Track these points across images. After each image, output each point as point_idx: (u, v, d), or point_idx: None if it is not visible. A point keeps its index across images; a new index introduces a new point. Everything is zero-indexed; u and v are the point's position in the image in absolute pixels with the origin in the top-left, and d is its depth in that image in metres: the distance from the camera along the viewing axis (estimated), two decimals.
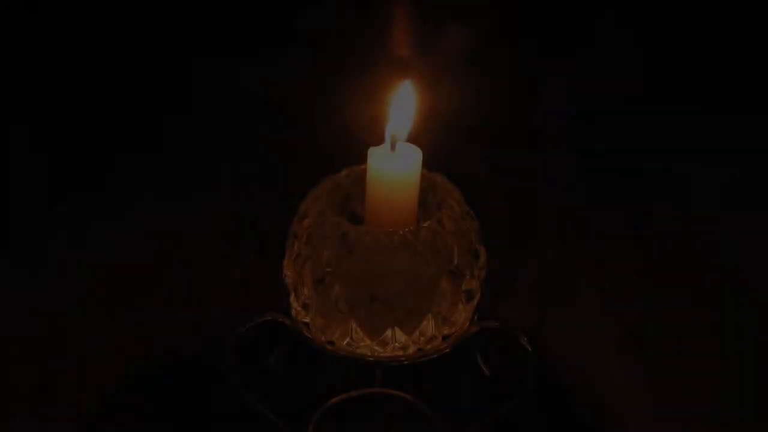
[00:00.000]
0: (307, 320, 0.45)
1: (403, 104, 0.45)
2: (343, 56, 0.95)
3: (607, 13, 1.04)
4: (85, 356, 0.61)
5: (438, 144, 0.76)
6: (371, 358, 0.44)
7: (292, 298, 0.45)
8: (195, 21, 1.02)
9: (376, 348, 0.44)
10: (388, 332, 0.43)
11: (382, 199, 0.44)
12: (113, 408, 0.58)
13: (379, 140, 0.45)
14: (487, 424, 0.52)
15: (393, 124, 0.45)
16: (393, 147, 0.44)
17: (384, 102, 0.46)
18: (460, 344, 0.45)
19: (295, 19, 1.03)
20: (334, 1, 1.07)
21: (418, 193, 0.45)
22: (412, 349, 0.45)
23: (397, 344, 0.44)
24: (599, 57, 0.98)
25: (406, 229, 0.42)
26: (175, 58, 0.96)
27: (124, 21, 1.03)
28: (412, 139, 0.46)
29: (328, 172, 0.47)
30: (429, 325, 0.44)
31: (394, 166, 0.44)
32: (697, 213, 0.75)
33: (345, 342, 0.44)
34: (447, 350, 0.45)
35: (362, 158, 0.45)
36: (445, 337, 0.45)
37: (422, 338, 0.44)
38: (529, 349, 0.45)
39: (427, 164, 0.45)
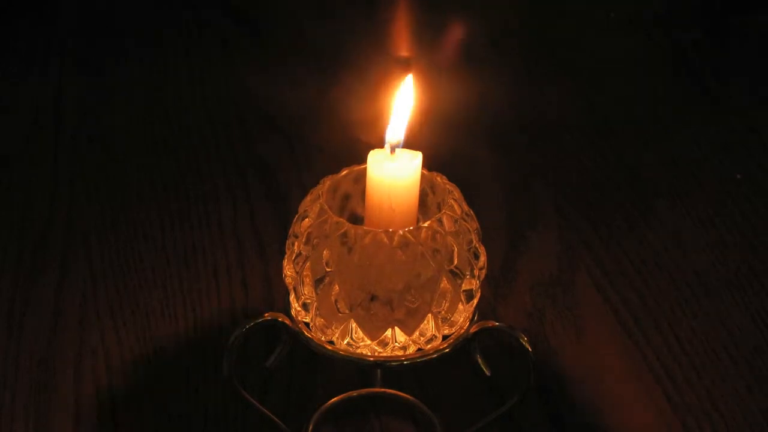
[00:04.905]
0: (307, 320, 0.45)
1: (402, 105, 0.45)
2: (343, 56, 0.95)
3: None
4: (84, 356, 0.61)
5: (438, 144, 0.77)
6: (371, 358, 0.44)
7: (291, 297, 0.45)
8: (194, 18, 1.03)
9: (376, 348, 0.44)
10: (388, 332, 0.44)
11: (383, 201, 0.44)
12: (112, 408, 0.58)
13: (378, 139, 0.45)
14: (487, 423, 0.52)
15: (393, 126, 0.45)
16: (393, 150, 0.44)
17: (384, 101, 0.46)
18: (460, 344, 0.45)
19: (295, 19, 1.03)
20: (335, 2, 1.07)
21: (418, 194, 0.45)
22: (412, 349, 0.45)
23: (397, 344, 0.44)
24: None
25: (406, 229, 0.42)
26: (172, 56, 0.96)
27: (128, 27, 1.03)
28: (412, 139, 0.46)
29: (328, 172, 0.47)
30: (429, 325, 0.44)
31: (394, 170, 0.44)
32: (699, 213, 0.75)
33: (345, 342, 0.44)
34: (447, 350, 0.45)
35: (362, 158, 0.45)
36: (445, 337, 0.45)
37: (422, 338, 0.44)
38: (529, 349, 0.45)
39: (427, 164, 0.45)
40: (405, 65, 0.93)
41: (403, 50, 0.99)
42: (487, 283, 0.67)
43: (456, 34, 1.01)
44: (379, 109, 0.46)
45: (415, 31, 1.04)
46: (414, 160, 0.44)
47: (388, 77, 0.47)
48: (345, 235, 0.42)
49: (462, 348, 0.45)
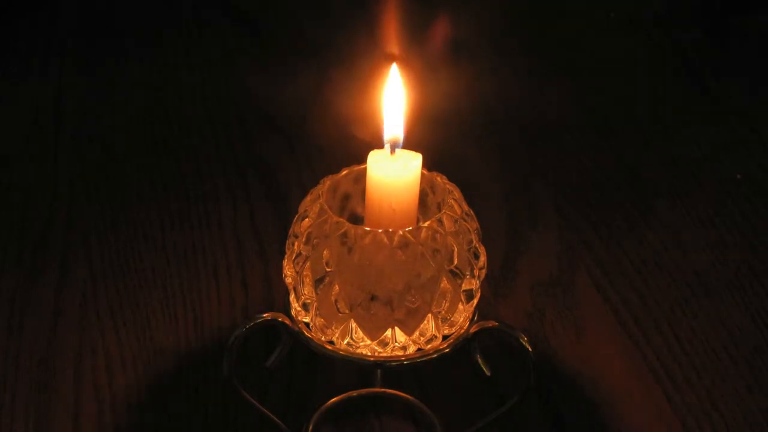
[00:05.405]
0: (307, 320, 0.45)
1: (395, 101, 0.45)
2: (344, 56, 0.95)
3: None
4: (84, 356, 0.61)
5: (438, 144, 0.77)
6: (371, 358, 0.44)
7: (292, 297, 0.45)
8: (193, 18, 1.03)
9: (376, 348, 0.44)
10: (388, 332, 0.44)
11: (382, 201, 0.44)
12: (112, 408, 0.58)
13: (377, 138, 0.45)
14: (487, 423, 0.52)
15: (389, 125, 0.45)
16: (393, 150, 0.44)
17: (378, 99, 0.46)
18: (460, 344, 0.45)
19: (295, 19, 1.03)
20: (335, 1, 1.07)
21: (418, 194, 0.45)
22: (412, 349, 0.45)
23: (397, 344, 0.44)
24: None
25: (406, 229, 0.42)
26: (172, 56, 0.96)
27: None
28: (412, 139, 0.46)
29: (328, 172, 0.47)
30: (429, 325, 0.44)
31: (394, 170, 0.44)
32: (699, 213, 0.75)
33: (345, 342, 0.44)
34: (447, 350, 0.45)
35: (362, 158, 0.45)
36: (445, 337, 0.45)
37: (422, 338, 0.44)
38: (529, 349, 0.45)
39: (427, 164, 0.45)
40: (393, 60, 0.93)
41: (397, 47, 0.99)
42: (487, 283, 0.67)
43: (443, 28, 1.01)
44: (378, 109, 0.46)
45: (415, 30, 1.04)
46: (414, 160, 0.44)
47: (384, 74, 0.47)
48: (345, 235, 0.42)
49: (462, 348, 0.45)
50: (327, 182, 0.46)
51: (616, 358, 0.62)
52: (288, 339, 0.46)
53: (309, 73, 0.93)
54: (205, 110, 0.88)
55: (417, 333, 0.44)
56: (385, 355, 0.44)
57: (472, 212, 0.45)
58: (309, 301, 0.44)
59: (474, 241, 0.44)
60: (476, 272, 0.44)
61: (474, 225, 0.45)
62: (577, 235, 0.73)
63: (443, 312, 0.44)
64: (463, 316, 0.45)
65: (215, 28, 1.01)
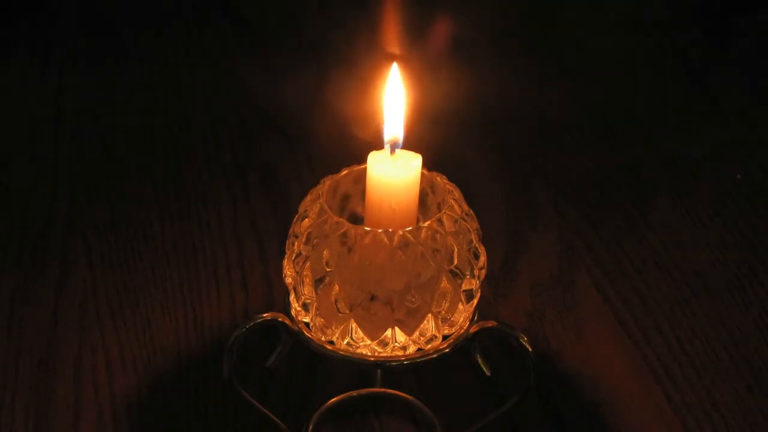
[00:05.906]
0: (306, 320, 0.45)
1: (395, 101, 0.45)
2: (344, 55, 0.95)
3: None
4: (84, 356, 0.61)
5: (438, 144, 0.77)
6: (371, 358, 0.44)
7: (291, 297, 0.45)
8: (193, 18, 1.03)
9: (376, 348, 0.44)
10: (388, 332, 0.44)
11: (382, 201, 0.44)
12: (112, 408, 0.58)
13: (377, 138, 0.45)
14: (487, 423, 0.52)
15: (389, 126, 0.45)
16: (393, 150, 0.44)
17: (378, 99, 0.46)
18: (460, 344, 0.45)
19: (296, 19, 1.03)
20: (335, 1, 1.07)
21: (418, 194, 0.45)
22: (412, 349, 0.45)
23: (397, 344, 0.44)
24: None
25: (406, 229, 0.42)
26: (172, 56, 0.96)
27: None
28: (412, 139, 0.46)
29: (328, 172, 0.47)
30: (429, 325, 0.44)
31: (394, 170, 0.44)
32: (699, 213, 0.75)
33: (345, 342, 0.44)
34: (447, 350, 0.45)
35: (362, 158, 0.45)
36: (445, 337, 0.45)
37: (422, 338, 0.44)
38: (529, 349, 0.45)
39: (427, 164, 0.45)
40: (393, 60, 0.93)
41: (397, 47, 0.99)
42: (487, 283, 0.67)
43: (443, 28, 1.01)
44: (378, 109, 0.46)
45: (415, 29, 1.04)
46: (414, 160, 0.44)
47: (384, 74, 0.47)
48: (345, 235, 0.42)
49: (462, 348, 0.45)
50: (327, 182, 0.46)
51: (616, 358, 0.62)
52: (288, 339, 0.46)
53: (309, 73, 0.93)
54: (205, 110, 0.88)
55: (417, 333, 0.44)
56: (385, 355, 0.44)
57: (472, 212, 0.45)
58: (309, 301, 0.44)
59: (474, 241, 0.44)
60: (476, 272, 0.44)
61: (474, 225, 0.45)
62: (577, 235, 0.73)
63: (443, 312, 0.44)
64: (463, 316, 0.45)
65: (215, 28, 1.01)
